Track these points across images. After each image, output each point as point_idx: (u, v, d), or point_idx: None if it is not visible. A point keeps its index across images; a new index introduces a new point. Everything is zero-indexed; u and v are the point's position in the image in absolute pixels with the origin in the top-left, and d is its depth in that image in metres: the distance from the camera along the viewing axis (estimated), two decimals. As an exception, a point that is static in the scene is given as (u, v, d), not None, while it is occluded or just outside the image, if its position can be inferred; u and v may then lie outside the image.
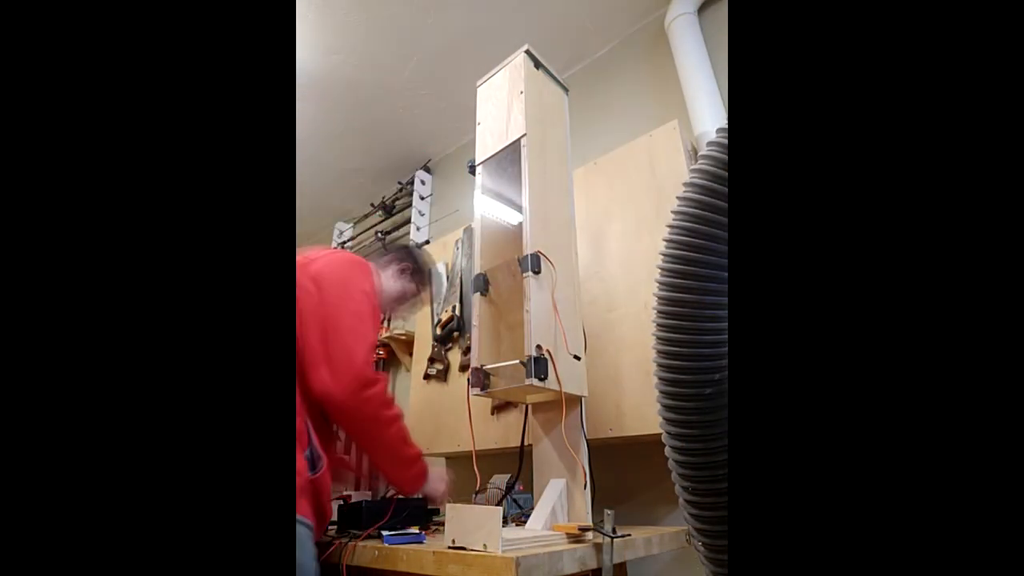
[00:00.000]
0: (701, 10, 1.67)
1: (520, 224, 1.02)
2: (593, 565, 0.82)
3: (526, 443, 1.12)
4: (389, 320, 2.37)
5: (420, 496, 1.17)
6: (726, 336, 0.71)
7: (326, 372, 0.98)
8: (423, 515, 1.15)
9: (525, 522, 0.94)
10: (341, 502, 1.20)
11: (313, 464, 0.94)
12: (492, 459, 1.54)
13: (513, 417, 1.49)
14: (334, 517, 1.18)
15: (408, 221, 2.49)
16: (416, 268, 1.41)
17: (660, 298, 0.75)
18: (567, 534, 0.85)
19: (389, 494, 1.20)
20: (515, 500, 1.12)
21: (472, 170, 1.18)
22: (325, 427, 1.06)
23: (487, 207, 1.14)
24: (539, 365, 0.87)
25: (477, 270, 1.06)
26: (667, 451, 0.75)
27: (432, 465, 1.18)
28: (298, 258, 1.13)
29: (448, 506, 0.83)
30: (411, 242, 2.38)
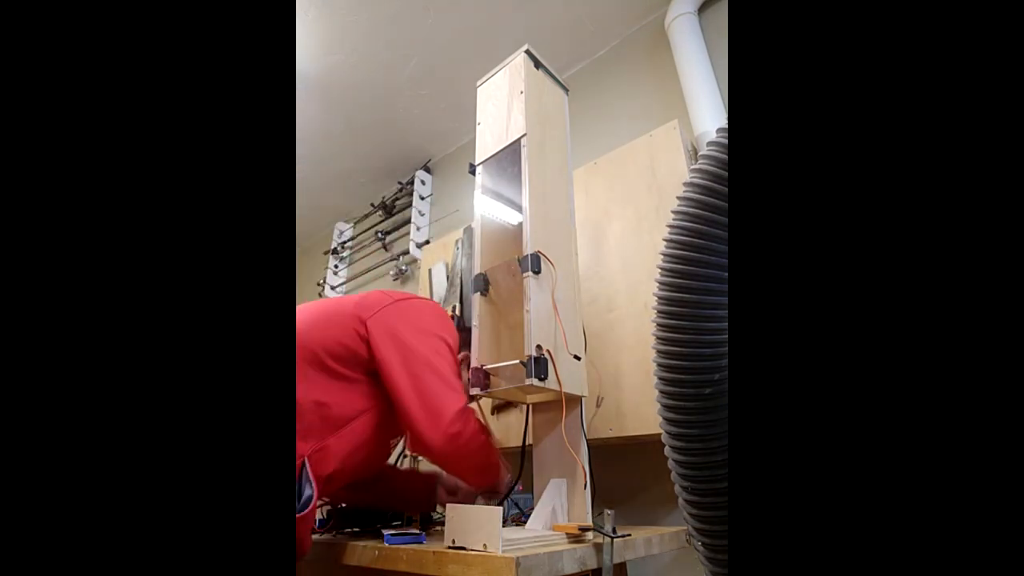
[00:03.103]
0: (701, 10, 1.67)
1: (520, 224, 1.02)
2: (593, 565, 0.82)
3: (526, 443, 1.12)
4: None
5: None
6: (726, 336, 0.72)
7: (421, 428, 0.94)
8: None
9: (525, 522, 0.94)
10: (330, 507, 1.20)
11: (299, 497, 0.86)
12: (492, 459, 1.54)
13: (513, 417, 1.49)
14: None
15: (408, 221, 2.49)
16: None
17: (660, 298, 0.75)
18: (567, 534, 0.85)
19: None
20: (515, 501, 1.11)
21: (472, 170, 1.18)
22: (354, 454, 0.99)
23: (487, 207, 1.14)
24: (539, 365, 0.87)
25: (477, 270, 1.06)
26: (667, 451, 0.75)
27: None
28: (382, 298, 1.08)
29: (448, 506, 0.83)
30: (411, 242, 2.38)
